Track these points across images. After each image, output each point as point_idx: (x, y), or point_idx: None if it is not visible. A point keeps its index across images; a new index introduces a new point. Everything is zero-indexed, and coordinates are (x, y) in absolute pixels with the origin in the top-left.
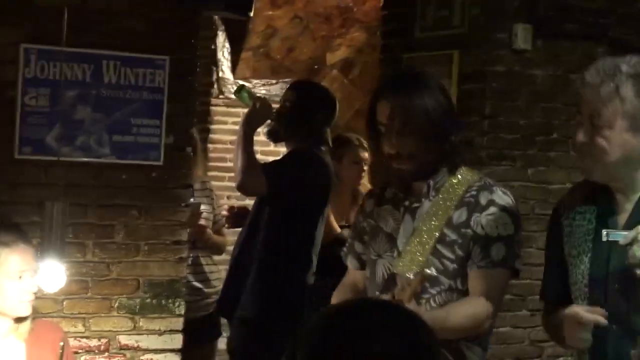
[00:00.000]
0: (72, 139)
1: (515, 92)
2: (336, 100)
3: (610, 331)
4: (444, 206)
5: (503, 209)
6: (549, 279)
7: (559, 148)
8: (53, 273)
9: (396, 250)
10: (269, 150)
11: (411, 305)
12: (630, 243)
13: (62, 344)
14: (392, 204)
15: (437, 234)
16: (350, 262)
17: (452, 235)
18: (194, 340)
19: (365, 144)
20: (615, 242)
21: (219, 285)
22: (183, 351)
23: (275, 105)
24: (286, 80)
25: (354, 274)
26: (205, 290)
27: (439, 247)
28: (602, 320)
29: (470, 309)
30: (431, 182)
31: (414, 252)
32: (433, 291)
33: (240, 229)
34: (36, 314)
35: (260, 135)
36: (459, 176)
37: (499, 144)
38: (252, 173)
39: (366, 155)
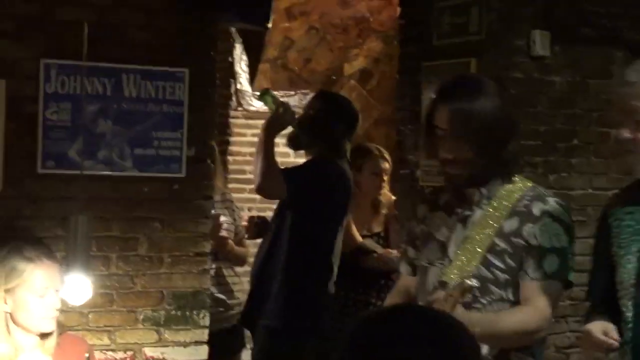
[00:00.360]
0: (94, 153)
1: (534, 99)
2: (359, 115)
3: None
4: (495, 215)
5: (557, 219)
6: (595, 279)
7: (580, 154)
8: (78, 286)
9: (447, 258)
10: (288, 162)
11: (459, 311)
12: None
13: (87, 355)
14: (445, 211)
15: (488, 243)
16: (403, 268)
17: (503, 245)
18: (219, 352)
19: (385, 154)
20: None
21: (241, 296)
22: None
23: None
24: (304, 91)
25: (406, 279)
26: (229, 301)
27: (489, 256)
28: (614, 344)
29: (522, 316)
30: (484, 191)
31: (464, 261)
32: (484, 301)
33: (260, 240)
34: (62, 328)
35: (280, 146)
36: (512, 185)
37: (520, 151)
38: (272, 176)
39: (386, 165)
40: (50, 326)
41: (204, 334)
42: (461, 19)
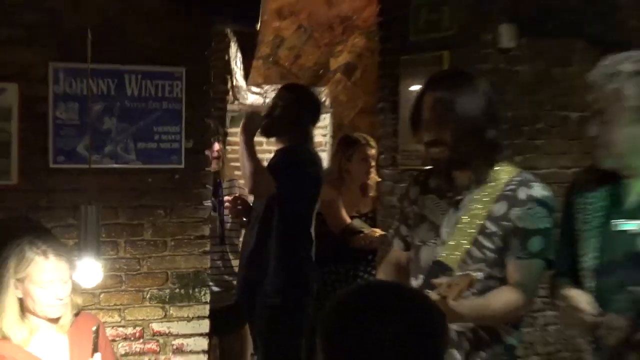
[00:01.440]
0: (101, 148)
1: (502, 87)
2: (321, 104)
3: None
4: (485, 199)
5: (541, 203)
6: (560, 251)
7: (544, 137)
8: (90, 270)
9: (440, 239)
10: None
11: (454, 303)
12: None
13: (94, 328)
14: (436, 194)
15: (478, 225)
16: (397, 243)
17: (493, 227)
18: (224, 327)
19: (371, 142)
20: (624, 230)
21: None
22: (219, 339)
23: None
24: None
25: (398, 253)
26: (233, 282)
27: (479, 237)
28: (599, 320)
29: (509, 295)
30: (473, 176)
31: (456, 241)
32: (445, 279)
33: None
34: (78, 308)
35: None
36: (499, 171)
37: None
38: (261, 176)
39: (373, 152)
40: (57, 313)
41: (205, 310)
42: (435, 16)
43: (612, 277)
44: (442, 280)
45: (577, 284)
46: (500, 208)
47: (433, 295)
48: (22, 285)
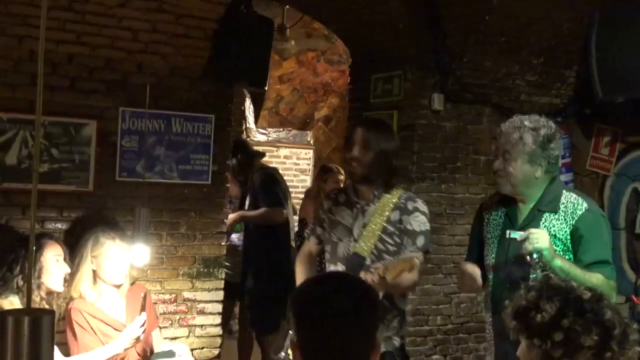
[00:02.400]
0: (153, 168)
1: (433, 136)
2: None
3: (506, 290)
4: (384, 209)
5: (423, 212)
6: (470, 253)
7: (461, 172)
8: (141, 253)
9: (352, 237)
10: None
11: (391, 279)
12: (523, 240)
13: (143, 294)
14: (346, 206)
15: (381, 227)
16: (312, 239)
17: (391, 228)
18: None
19: (341, 170)
20: (514, 238)
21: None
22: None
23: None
24: (289, 128)
25: (312, 246)
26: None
27: (383, 236)
28: (480, 282)
29: (411, 276)
30: (376, 192)
31: (366, 238)
32: (381, 264)
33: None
34: (133, 279)
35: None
36: (393, 190)
37: (423, 170)
38: (270, 215)
39: (342, 177)
40: (120, 280)
41: (221, 283)
42: (388, 86)
43: (503, 271)
44: (379, 265)
45: (480, 266)
46: (395, 215)
47: (372, 276)
48: (96, 260)
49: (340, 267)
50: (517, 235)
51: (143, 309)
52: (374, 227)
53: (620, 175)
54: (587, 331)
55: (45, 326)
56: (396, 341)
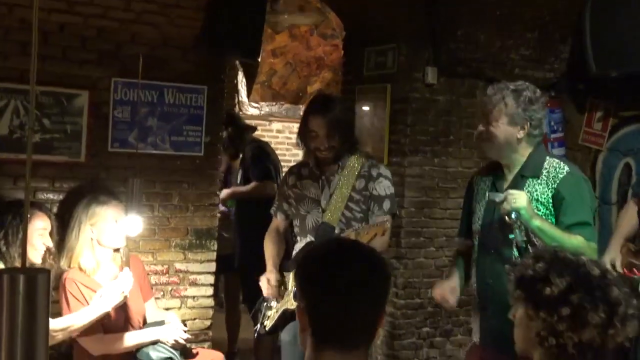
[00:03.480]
0: (145, 139)
1: (426, 110)
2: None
3: (490, 255)
4: (349, 178)
5: (387, 177)
6: (462, 223)
7: (454, 146)
8: (134, 224)
9: (320, 208)
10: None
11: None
12: (502, 201)
13: (124, 257)
14: (311, 178)
15: (347, 195)
16: (279, 216)
17: (357, 196)
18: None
19: None
20: (499, 203)
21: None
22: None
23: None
24: (281, 102)
25: (278, 222)
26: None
27: (349, 204)
28: (451, 305)
29: (382, 239)
30: (340, 163)
31: (333, 208)
32: (352, 230)
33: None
34: (128, 250)
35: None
36: (355, 159)
37: (416, 143)
38: (260, 189)
39: None
40: (122, 242)
41: (213, 255)
42: (382, 59)
43: (487, 234)
44: (350, 231)
45: (471, 238)
46: (360, 183)
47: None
48: (94, 227)
49: (310, 238)
50: (497, 197)
51: (126, 264)
52: (340, 196)
53: (613, 150)
54: (594, 309)
55: (41, 284)
56: None
